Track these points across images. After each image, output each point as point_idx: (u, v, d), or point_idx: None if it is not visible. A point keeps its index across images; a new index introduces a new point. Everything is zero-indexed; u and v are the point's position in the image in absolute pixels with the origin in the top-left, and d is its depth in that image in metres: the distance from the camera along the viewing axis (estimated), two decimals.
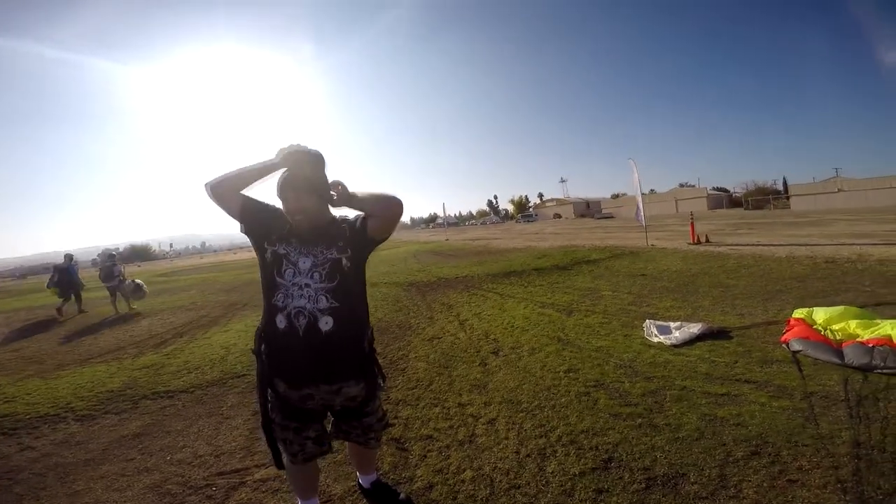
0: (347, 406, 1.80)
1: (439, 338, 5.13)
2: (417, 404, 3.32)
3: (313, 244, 1.69)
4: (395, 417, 3.12)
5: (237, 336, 6.27)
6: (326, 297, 1.63)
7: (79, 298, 11.19)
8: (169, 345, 6.30)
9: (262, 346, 1.72)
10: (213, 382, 4.33)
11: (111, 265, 11.00)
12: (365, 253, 1.78)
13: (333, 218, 1.80)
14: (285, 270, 1.65)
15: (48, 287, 11.17)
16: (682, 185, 70.38)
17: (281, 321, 1.62)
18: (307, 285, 1.64)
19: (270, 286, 1.67)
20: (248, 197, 1.72)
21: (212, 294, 12.32)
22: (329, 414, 1.87)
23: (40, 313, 11.56)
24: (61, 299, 10.78)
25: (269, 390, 1.73)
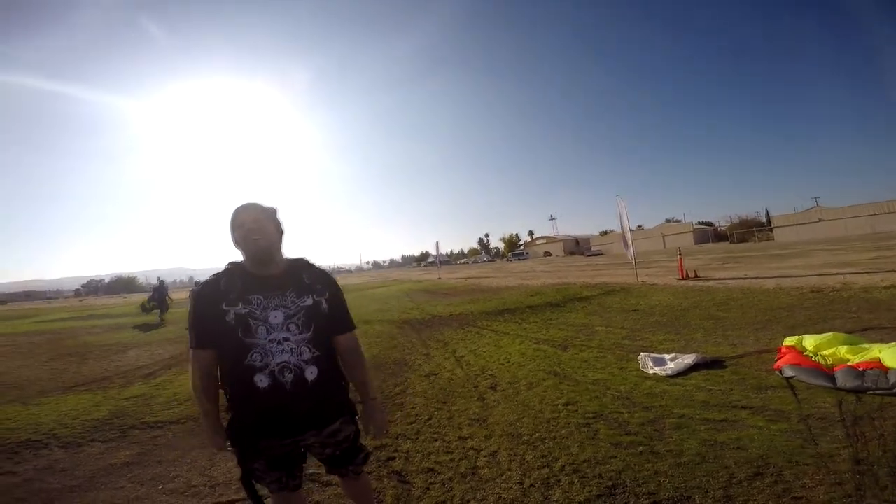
0: (336, 448, 1.75)
1: (436, 374, 5.10)
2: (417, 438, 3.29)
3: (279, 294, 1.61)
4: (395, 451, 3.08)
5: None
6: (309, 348, 1.61)
7: (164, 310, 15.90)
8: (157, 376, 6.19)
9: (238, 410, 1.64)
10: None
11: (165, 289, 16.29)
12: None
13: (290, 261, 1.75)
14: (256, 329, 1.55)
15: (148, 302, 16.41)
16: (668, 221, 71.90)
17: (262, 380, 1.54)
18: (286, 339, 1.57)
19: (238, 348, 1.55)
20: (201, 343, 1.62)
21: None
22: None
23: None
24: (155, 311, 15.82)
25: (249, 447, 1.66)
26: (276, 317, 1.58)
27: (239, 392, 1.61)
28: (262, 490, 1.74)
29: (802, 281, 9.72)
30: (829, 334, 4.33)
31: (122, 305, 28.88)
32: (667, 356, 4.61)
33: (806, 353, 4.12)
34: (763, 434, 2.78)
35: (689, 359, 4.40)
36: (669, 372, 4.21)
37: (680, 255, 14.84)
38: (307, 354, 1.60)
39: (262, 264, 1.65)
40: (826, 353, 4.03)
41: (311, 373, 1.59)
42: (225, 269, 1.68)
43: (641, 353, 4.83)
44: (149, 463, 3.22)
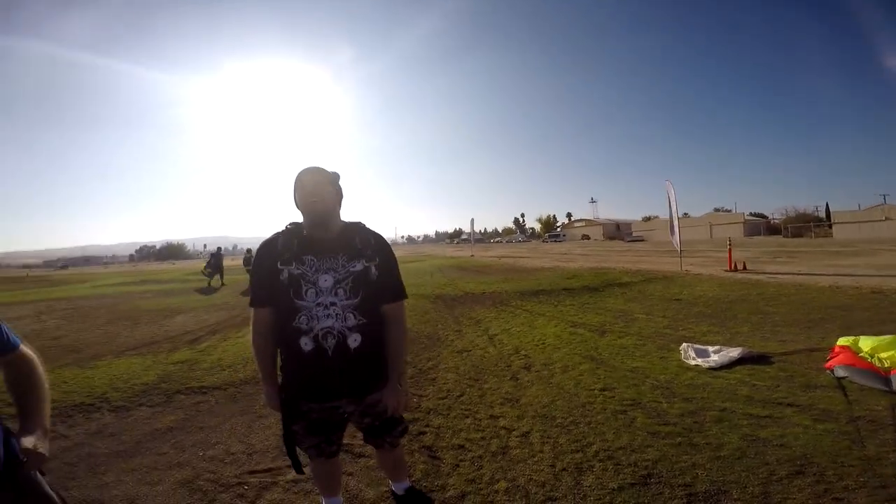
0: (375, 419, 1.77)
1: (468, 351, 5.15)
2: (448, 414, 3.34)
3: (331, 257, 1.62)
4: (427, 426, 3.14)
5: None
6: (354, 315, 1.60)
7: (222, 275, 17.26)
8: (202, 341, 6.48)
9: (286, 370, 1.68)
10: (246, 381, 4.42)
11: (221, 257, 17.77)
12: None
13: (346, 224, 1.73)
14: (306, 291, 1.57)
15: (204, 268, 17.67)
16: (717, 210, 68.59)
17: (307, 343, 1.57)
18: (332, 304, 1.58)
19: (289, 309, 1.59)
20: (259, 301, 1.67)
21: (244, 295, 12.64)
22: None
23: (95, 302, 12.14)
24: (212, 277, 16.99)
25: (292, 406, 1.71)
26: (326, 280, 1.59)
27: (286, 353, 1.66)
28: (303, 457, 1.81)
29: (862, 281, 9.10)
30: (890, 336, 4.06)
31: (171, 271, 30.55)
32: (710, 348, 4.48)
33: (861, 355, 3.89)
34: (808, 433, 2.68)
35: (734, 352, 4.26)
36: (713, 364, 4.10)
37: (730, 245, 14.18)
38: (352, 321, 1.60)
39: (319, 227, 1.65)
40: (884, 355, 3.78)
41: (354, 340, 1.60)
42: (284, 230, 1.71)
43: (683, 344, 4.70)
44: (191, 429, 3.35)
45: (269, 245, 1.68)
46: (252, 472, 2.64)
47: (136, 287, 17.92)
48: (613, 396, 3.48)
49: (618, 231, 77.66)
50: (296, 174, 1.67)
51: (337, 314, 1.58)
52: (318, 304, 1.58)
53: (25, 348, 1.38)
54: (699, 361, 4.21)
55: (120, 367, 5.17)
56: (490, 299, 9.09)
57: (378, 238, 1.75)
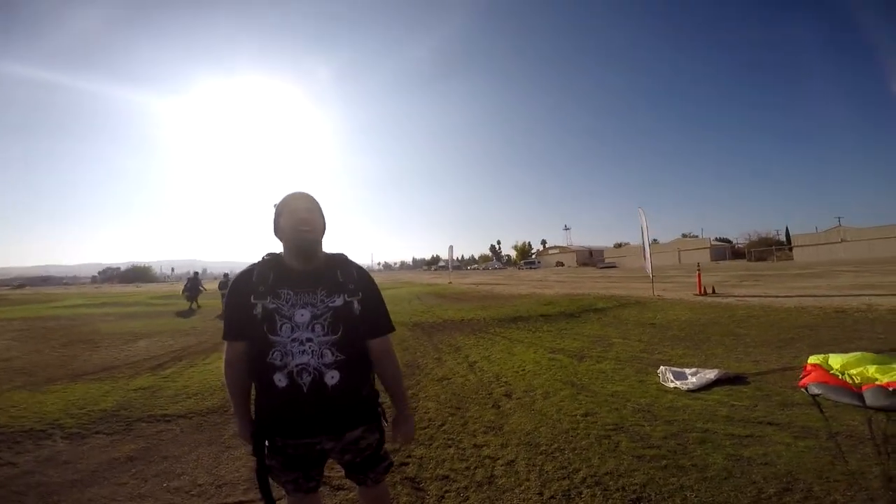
0: (357, 455, 1.68)
1: (449, 379, 5.05)
2: (431, 444, 3.24)
3: (310, 290, 1.56)
4: (409, 457, 3.03)
5: None
6: (332, 351, 1.53)
7: (196, 299, 16.99)
8: (167, 367, 6.19)
9: (259, 405, 1.61)
10: (213, 410, 4.21)
11: (199, 281, 17.64)
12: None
13: (328, 256, 1.67)
14: (281, 326, 1.51)
15: (182, 292, 17.48)
16: (684, 236, 71.02)
17: (281, 380, 1.50)
18: (308, 340, 1.51)
19: (263, 344, 1.52)
20: (230, 335, 1.61)
21: (211, 320, 12.24)
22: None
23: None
24: (191, 300, 16.71)
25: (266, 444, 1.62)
26: (303, 315, 1.52)
27: (259, 388, 1.58)
28: (280, 491, 1.71)
29: (825, 301, 9.49)
30: (858, 353, 4.22)
31: (136, 294, 29.31)
32: (688, 370, 4.52)
33: (832, 372, 4.01)
34: (790, 450, 2.72)
35: (711, 374, 4.32)
36: (691, 386, 4.14)
37: (699, 270, 14.61)
38: (329, 358, 1.53)
39: (304, 259, 1.59)
40: (853, 371, 3.92)
41: (331, 377, 1.52)
42: (261, 260, 1.64)
43: (661, 367, 4.74)
44: (153, 458, 3.18)
45: (244, 277, 1.61)
46: None
47: (97, 309, 17.15)
48: (596, 421, 3.45)
49: (591, 258, 79.28)
50: (282, 199, 1.61)
51: (313, 350, 1.51)
52: (294, 340, 1.51)
53: None
54: (678, 384, 4.23)
55: (76, 391, 4.90)
56: (469, 326, 9.02)
57: (361, 271, 1.70)
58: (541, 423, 3.50)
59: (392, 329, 1.74)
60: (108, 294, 30.51)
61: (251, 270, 1.61)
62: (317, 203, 1.64)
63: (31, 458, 3.18)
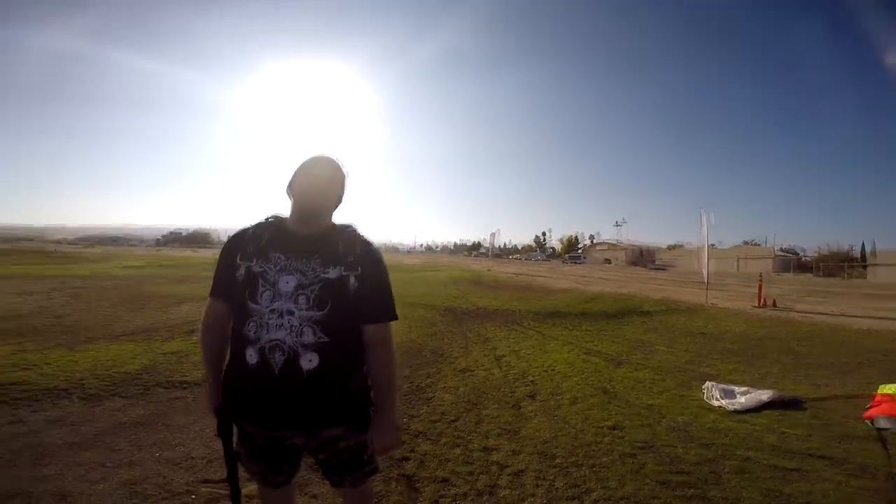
0: (332, 456, 1.46)
1: (472, 371, 4.79)
2: (438, 440, 3.01)
3: (304, 257, 1.34)
4: (411, 451, 2.81)
5: None
6: (313, 330, 1.29)
7: None
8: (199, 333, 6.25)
9: (228, 383, 1.41)
10: None
11: None
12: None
13: (336, 225, 1.47)
14: (262, 293, 1.31)
15: None
16: (746, 243, 66.54)
17: (252, 356, 1.29)
18: (289, 312, 1.29)
19: (241, 312, 1.34)
20: (214, 291, 1.45)
21: None
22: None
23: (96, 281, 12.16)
24: None
25: (235, 427, 1.43)
26: (288, 283, 1.30)
27: (230, 362, 1.39)
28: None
29: None
30: None
31: (190, 258, 30.89)
32: (737, 389, 4.09)
33: None
34: (840, 490, 2.39)
35: (763, 395, 3.89)
36: (738, 407, 3.74)
37: (761, 280, 13.49)
38: (309, 337, 1.28)
39: (305, 223, 1.40)
40: None
41: (308, 361, 1.28)
42: (262, 220, 1.46)
43: (707, 382, 4.29)
44: (156, 426, 3.12)
45: (237, 235, 1.44)
46: (206, 482, 2.39)
47: (152, 271, 17.84)
48: (623, 436, 3.12)
49: (641, 257, 76.03)
50: (304, 159, 1.44)
51: (292, 325, 1.28)
52: (272, 311, 1.28)
53: None
54: (723, 403, 3.83)
55: (109, 352, 4.96)
56: (502, 317, 8.72)
57: (367, 244, 1.44)
58: (561, 431, 3.19)
59: (393, 317, 1.46)
60: (165, 257, 32.24)
61: (246, 230, 1.43)
62: (338, 171, 1.45)
63: (42, 417, 3.18)
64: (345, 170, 1.48)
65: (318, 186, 1.39)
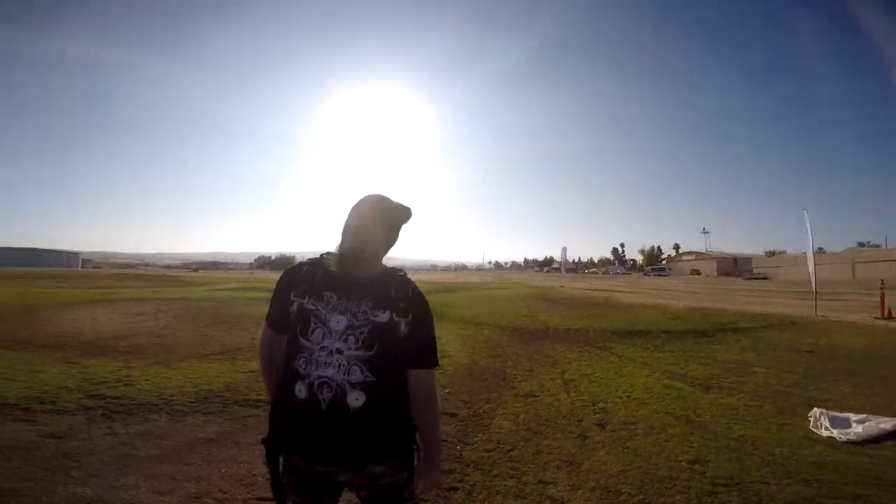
0: (374, 493, 1.45)
1: (535, 396, 4.52)
2: (490, 470, 2.82)
3: (355, 298, 1.40)
4: (461, 481, 2.66)
5: None
6: (361, 369, 1.34)
7: None
8: None
9: (276, 415, 1.45)
10: None
11: None
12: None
13: (386, 269, 1.51)
14: (313, 330, 1.37)
15: None
16: (860, 245, 58.41)
17: (301, 391, 1.34)
18: (339, 351, 1.34)
19: (293, 346, 1.40)
20: (270, 322, 1.52)
21: None
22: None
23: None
24: None
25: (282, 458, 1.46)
26: (339, 322, 1.36)
27: (280, 394, 1.43)
28: None
29: None
30: None
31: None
32: (853, 416, 3.56)
33: None
34: None
35: (886, 423, 3.38)
36: (853, 437, 3.26)
37: (882, 287, 11.66)
38: (357, 376, 1.32)
39: (350, 264, 1.44)
40: None
41: (355, 399, 1.32)
42: (317, 258, 1.53)
43: (815, 409, 3.76)
44: (227, 443, 3.24)
45: (291, 272, 1.52)
46: (262, 499, 2.46)
47: (245, 293, 18.86)
48: (704, 472, 2.75)
49: (735, 266, 69.54)
50: (360, 198, 1.49)
51: (340, 364, 1.32)
52: (323, 348, 1.33)
53: None
54: (835, 433, 3.34)
55: (199, 370, 5.30)
56: (574, 337, 8.26)
57: (417, 292, 1.49)
58: (631, 465, 2.86)
59: (436, 363, 1.49)
60: (257, 279, 34.84)
61: (300, 267, 1.51)
62: (388, 212, 1.48)
63: (133, 430, 3.45)
64: (398, 211, 1.50)
65: (367, 229, 1.42)
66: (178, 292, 18.39)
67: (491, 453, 3.10)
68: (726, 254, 78.36)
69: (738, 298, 17.40)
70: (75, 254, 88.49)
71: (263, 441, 1.46)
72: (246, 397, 4.29)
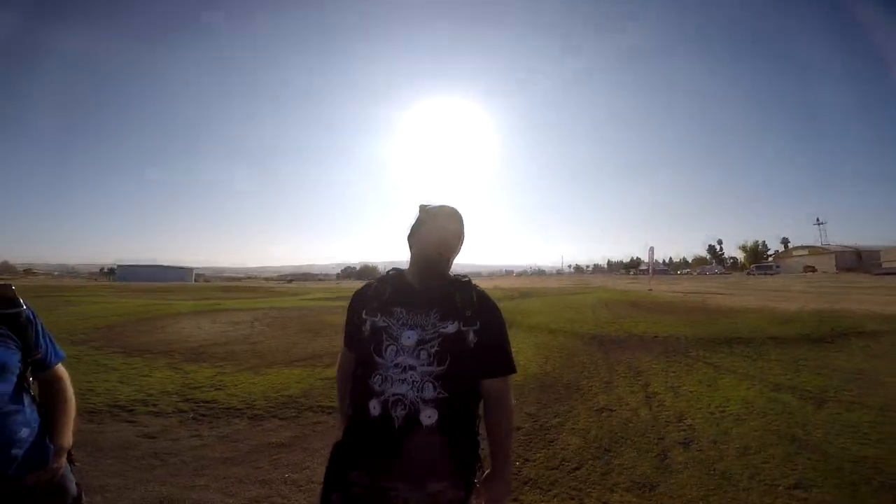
0: None
1: (611, 410, 4.18)
2: (549, 490, 2.63)
3: (424, 311, 1.40)
4: (515, 500, 2.51)
5: None
6: (434, 386, 1.33)
7: None
8: None
9: (347, 430, 1.47)
10: None
11: None
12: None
13: (451, 278, 1.50)
14: (386, 347, 1.37)
15: None
16: None
17: (375, 408, 1.35)
18: (411, 367, 1.34)
19: (368, 365, 1.40)
20: (347, 343, 1.56)
21: None
22: None
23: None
24: None
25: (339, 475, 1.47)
26: (409, 338, 1.37)
27: (353, 412, 1.45)
28: None
29: None
30: None
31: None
32: None
33: None
34: None
35: None
36: None
37: None
38: (430, 392, 1.32)
39: (427, 277, 1.46)
40: None
41: (428, 416, 1.31)
42: (382, 275, 1.56)
43: None
44: (295, 448, 3.36)
45: (361, 291, 1.55)
46: None
47: (331, 302, 19.57)
48: (806, 498, 2.37)
49: (859, 261, 60.48)
50: (431, 207, 1.51)
51: (413, 381, 1.33)
52: (396, 366, 1.35)
53: (60, 367, 1.53)
54: None
55: (281, 376, 5.57)
56: (661, 345, 7.57)
57: (483, 297, 1.48)
58: (717, 489, 2.53)
59: (513, 370, 1.46)
60: (342, 289, 36.64)
61: (369, 285, 1.55)
62: (463, 225, 1.51)
63: (216, 433, 3.69)
64: (463, 220, 1.51)
65: (447, 239, 1.43)
66: (274, 302, 19.70)
67: (552, 471, 2.90)
68: (847, 246, 68.52)
69: (866, 298, 14.99)
70: (190, 269, 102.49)
71: (331, 455, 1.48)
72: (319, 404, 4.44)
